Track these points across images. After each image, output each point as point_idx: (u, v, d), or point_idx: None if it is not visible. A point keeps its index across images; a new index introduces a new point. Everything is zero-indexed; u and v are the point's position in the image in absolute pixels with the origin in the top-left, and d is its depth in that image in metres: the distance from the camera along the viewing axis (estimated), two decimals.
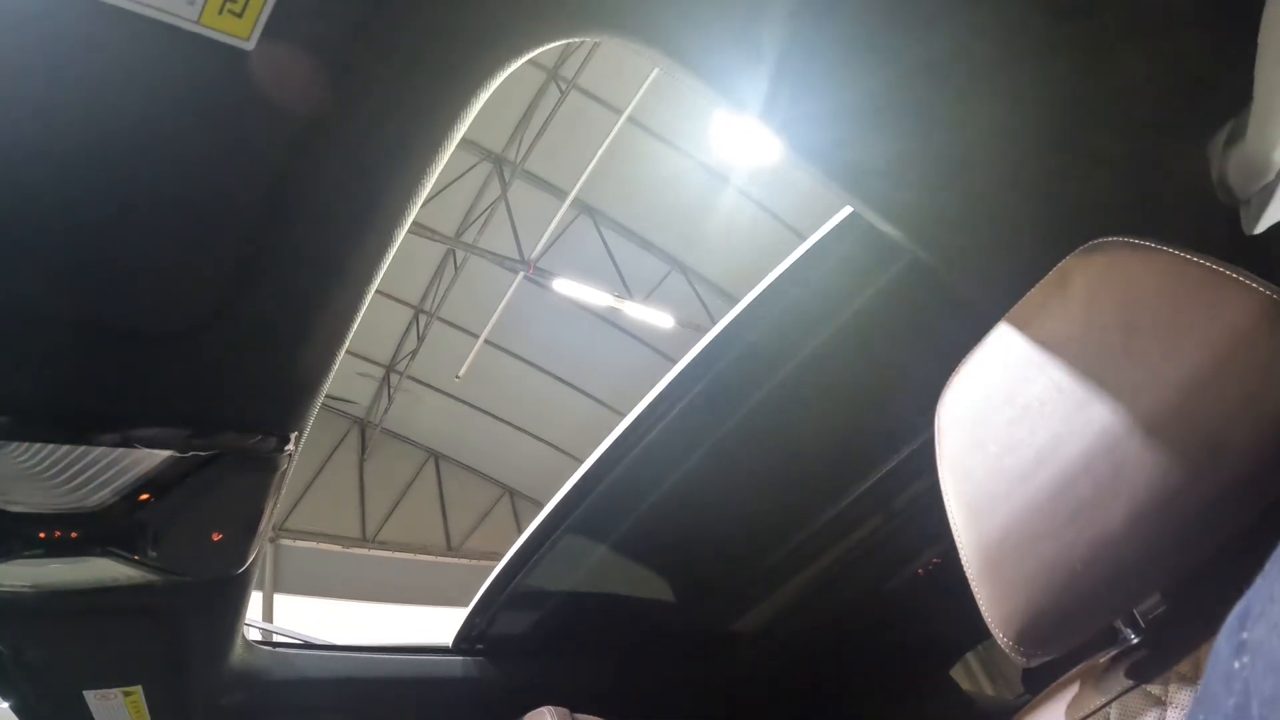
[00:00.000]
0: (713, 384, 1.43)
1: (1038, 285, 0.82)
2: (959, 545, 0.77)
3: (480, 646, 1.96)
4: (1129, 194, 1.04)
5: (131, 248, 0.75)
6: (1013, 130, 0.99)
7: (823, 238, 1.23)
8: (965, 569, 0.75)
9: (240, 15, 0.61)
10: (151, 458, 0.94)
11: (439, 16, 0.69)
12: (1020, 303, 0.83)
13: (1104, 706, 0.69)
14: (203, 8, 0.60)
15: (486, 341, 10.34)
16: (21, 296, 0.75)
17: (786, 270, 1.27)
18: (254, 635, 1.67)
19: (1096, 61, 0.94)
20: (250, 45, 0.63)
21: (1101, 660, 0.77)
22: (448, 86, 0.73)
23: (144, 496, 0.99)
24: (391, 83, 0.71)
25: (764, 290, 1.31)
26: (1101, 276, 0.75)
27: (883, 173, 0.98)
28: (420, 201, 0.82)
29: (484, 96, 0.76)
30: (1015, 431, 0.74)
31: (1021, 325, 0.81)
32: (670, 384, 1.45)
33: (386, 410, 11.94)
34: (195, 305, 0.81)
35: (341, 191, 0.77)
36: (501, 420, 12.24)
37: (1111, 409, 0.66)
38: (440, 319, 10.77)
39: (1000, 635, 0.70)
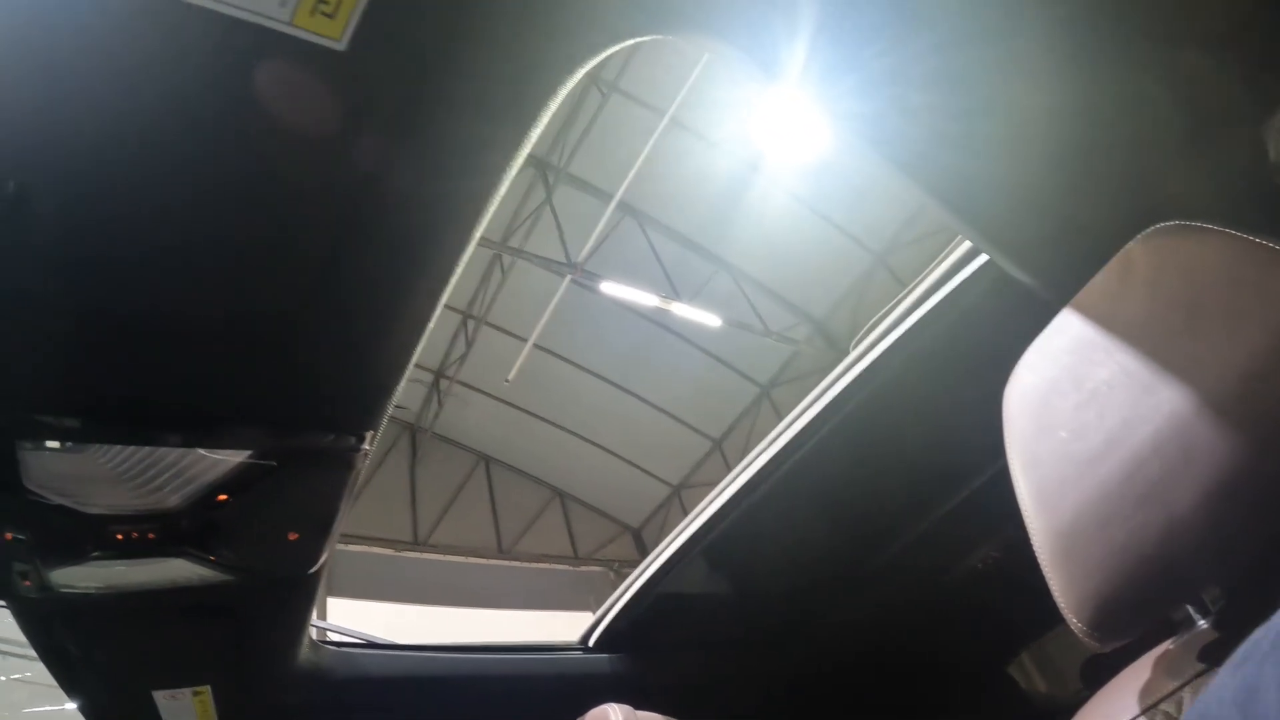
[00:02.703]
0: (823, 441, 1.53)
1: (1101, 271, 0.81)
2: (1030, 532, 0.76)
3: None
4: (1190, 178, 1.03)
5: (215, 250, 0.76)
6: (1068, 112, 0.98)
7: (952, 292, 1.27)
8: (1037, 555, 0.74)
9: (332, 16, 0.62)
10: (230, 458, 0.96)
11: (525, 11, 0.70)
12: (1085, 289, 0.82)
13: (1177, 691, 0.68)
14: (295, 9, 0.61)
15: (535, 345, 10.38)
16: (99, 297, 0.77)
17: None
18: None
19: (1156, 45, 0.93)
20: (342, 45, 0.64)
21: (1171, 646, 0.76)
22: (530, 83, 0.74)
23: (221, 497, 1.01)
24: (478, 79, 0.72)
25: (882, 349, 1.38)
26: (1165, 260, 0.74)
27: (933, 154, 0.97)
28: (497, 200, 0.82)
29: (560, 95, 0.76)
30: (1084, 416, 0.74)
31: (1086, 310, 0.80)
32: (780, 450, 1.57)
33: (437, 415, 12.04)
34: (278, 305, 0.83)
35: (424, 189, 0.78)
36: (551, 423, 12.28)
37: (1179, 391, 0.66)
38: (488, 324, 10.85)
39: (1074, 620, 0.69)
